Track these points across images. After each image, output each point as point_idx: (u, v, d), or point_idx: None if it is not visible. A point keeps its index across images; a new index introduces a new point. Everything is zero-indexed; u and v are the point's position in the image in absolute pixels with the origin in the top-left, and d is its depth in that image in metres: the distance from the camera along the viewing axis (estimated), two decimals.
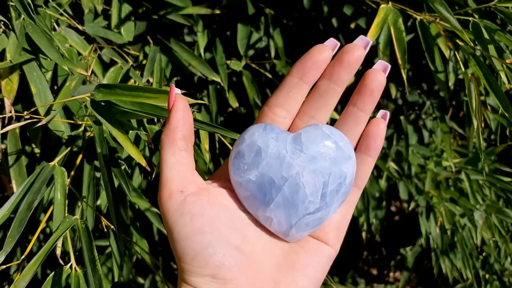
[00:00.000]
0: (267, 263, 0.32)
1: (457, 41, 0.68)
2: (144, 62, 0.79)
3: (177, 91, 0.33)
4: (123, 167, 0.53)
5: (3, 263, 0.43)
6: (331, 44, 0.33)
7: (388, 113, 0.34)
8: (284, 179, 0.31)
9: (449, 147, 0.94)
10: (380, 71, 0.33)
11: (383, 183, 1.03)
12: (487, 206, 1.00)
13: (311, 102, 0.34)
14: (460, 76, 0.83)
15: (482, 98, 0.66)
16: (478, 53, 0.66)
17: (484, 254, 1.21)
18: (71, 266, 0.46)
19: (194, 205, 0.31)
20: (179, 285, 0.31)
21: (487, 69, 0.62)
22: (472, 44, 0.64)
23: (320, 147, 0.32)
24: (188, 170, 0.32)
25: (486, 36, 0.63)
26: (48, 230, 0.85)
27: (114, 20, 0.79)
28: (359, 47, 0.33)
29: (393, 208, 1.59)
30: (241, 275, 0.30)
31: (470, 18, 0.65)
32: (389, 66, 0.34)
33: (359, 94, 0.33)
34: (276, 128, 0.33)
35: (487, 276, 1.19)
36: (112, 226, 0.52)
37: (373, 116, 0.34)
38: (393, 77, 0.92)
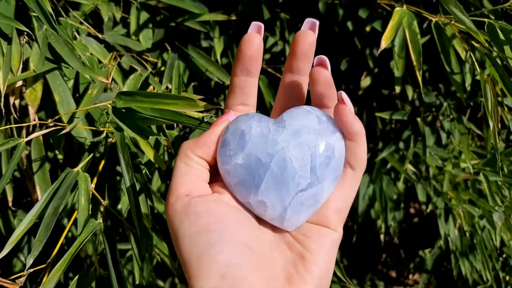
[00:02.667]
0: (276, 258, 0.32)
1: (473, 42, 0.68)
2: (162, 68, 0.81)
3: (231, 117, 0.34)
4: (143, 172, 0.55)
5: (31, 266, 0.45)
6: (254, 28, 0.34)
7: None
8: (270, 156, 0.31)
9: (467, 148, 0.94)
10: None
11: (400, 185, 1.03)
12: (506, 208, 0.99)
13: (284, 98, 0.35)
14: (477, 77, 0.83)
15: (499, 99, 0.66)
16: (494, 54, 0.66)
17: (504, 255, 1.20)
18: (95, 270, 0.48)
19: (199, 205, 0.31)
20: None
21: (503, 70, 0.62)
22: (487, 45, 0.64)
23: (304, 121, 0.32)
24: (198, 179, 0.33)
25: (501, 37, 0.63)
26: (70, 234, 0.87)
27: (133, 28, 0.81)
28: (308, 33, 0.33)
29: (412, 210, 1.58)
30: (252, 274, 0.30)
31: (486, 20, 0.65)
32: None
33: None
34: (258, 114, 0.33)
35: (507, 277, 1.18)
36: (133, 230, 0.54)
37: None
38: (409, 78, 0.93)
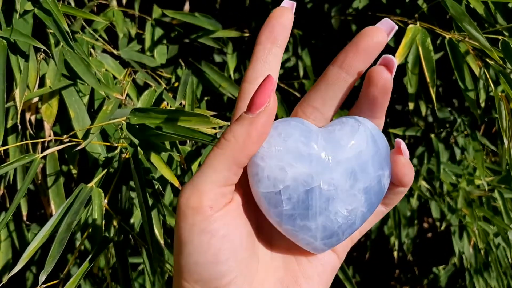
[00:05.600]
0: (269, 279, 0.30)
1: (487, 59, 0.68)
2: (176, 84, 0.82)
3: (275, 85, 0.27)
4: (156, 187, 0.55)
5: (44, 282, 0.45)
6: (288, 4, 0.30)
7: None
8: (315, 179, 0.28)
9: (482, 165, 0.93)
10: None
11: (414, 201, 1.02)
12: None
13: (317, 92, 0.30)
14: (491, 93, 0.83)
15: None
16: (508, 71, 0.66)
17: None
18: (107, 286, 0.48)
19: (217, 226, 0.27)
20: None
21: None
22: (501, 63, 0.64)
23: (359, 144, 0.29)
24: (227, 185, 0.28)
25: None
26: (82, 247, 0.87)
27: (148, 44, 0.82)
28: (381, 31, 0.28)
29: (425, 225, 1.57)
30: None
31: (500, 37, 0.65)
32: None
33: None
34: (300, 126, 0.29)
35: None
36: (145, 246, 0.54)
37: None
38: (423, 94, 0.92)
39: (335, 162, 0.28)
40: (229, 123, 0.51)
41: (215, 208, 0.27)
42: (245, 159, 0.27)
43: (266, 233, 0.31)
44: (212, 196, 0.27)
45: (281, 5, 0.30)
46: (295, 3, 0.30)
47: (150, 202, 0.53)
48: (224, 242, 0.27)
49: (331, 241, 0.30)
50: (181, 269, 0.27)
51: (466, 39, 0.68)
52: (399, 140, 0.29)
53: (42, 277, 0.43)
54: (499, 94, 0.63)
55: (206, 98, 0.89)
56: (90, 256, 0.45)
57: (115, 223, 0.68)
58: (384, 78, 0.28)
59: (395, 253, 1.04)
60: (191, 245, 0.27)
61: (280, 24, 0.30)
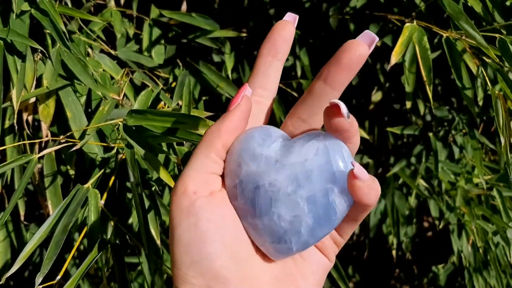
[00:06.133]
0: (265, 275, 0.31)
1: (484, 57, 0.68)
2: (173, 84, 0.82)
3: (247, 92, 0.31)
4: (153, 188, 0.55)
5: (41, 283, 0.45)
6: (291, 18, 0.32)
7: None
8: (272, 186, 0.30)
9: (480, 163, 0.93)
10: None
11: (412, 200, 1.02)
12: None
13: (304, 105, 0.31)
14: (489, 92, 0.83)
15: None
16: (505, 69, 0.66)
17: None
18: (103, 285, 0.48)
19: (202, 209, 0.29)
20: None
21: None
22: (498, 61, 0.64)
23: (319, 162, 0.29)
24: (211, 173, 0.31)
25: None
26: (82, 247, 0.87)
27: (145, 44, 0.82)
28: (362, 45, 0.28)
29: (426, 224, 1.56)
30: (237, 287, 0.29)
31: (497, 35, 0.65)
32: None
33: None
34: (268, 132, 0.31)
35: None
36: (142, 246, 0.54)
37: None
38: (420, 93, 0.92)
39: (281, 165, 0.30)
40: None
41: (198, 193, 0.30)
42: (221, 147, 0.31)
43: None
44: (195, 182, 0.30)
45: (284, 18, 0.32)
46: (297, 17, 0.32)
47: (147, 203, 0.53)
48: (210, 224, 0.29)
49: (281, 247, 0.30)
50: (174, 257, 0.29)
51: (463, 37, 0.68)
52: (353, 162, 0.29)
53: (38, 279, 0.43)
54: (496, 92, 0.63)
55: (204, 98, 0.89)
56: (88, 257, 0.45)
57: (111, 223, 0.68)
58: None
59: (394, 252, 1.04)
60: (180, 228, 0.29)
61: (282, 38, 0.31)
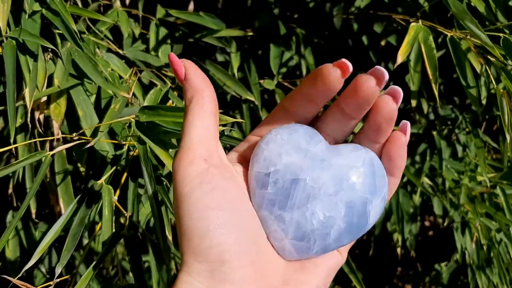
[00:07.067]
0: (277, 258, 0.30)
1: (488, 56, 0.68)
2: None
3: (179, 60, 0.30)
4: (164, 183, 0.56)
5: (52, 278, 0.46)
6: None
7: (409, 124, 0.31)
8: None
9: (483, 161, 0.94)
10: (388, 98, 0.29)
11: (417, 198, 1.03)
12: None
13: (327, 122, 0.32)
14: (492, 91, 0.84)
15: None
16: (509, 67, 0.66)
17: None
18: (118, 279, 0.49)
19: (217, 177, 0.28)
20: (177, 279, 0.28)
21: None
22: (502, 59, 0.65)
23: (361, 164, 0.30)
24: (213, 138, 0.30)
25: None
26: (92, 244, 0.88)
27: (152, 43, 0.83)
28: (372, 81, 0.29)
29: (426, 223, 1.57)
30: (248, 267, 0.27)
31: (501, 34, 0.65)
32: (400, 92, 0.30)
33: (369, 129, 0.30)
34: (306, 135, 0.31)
35: None
36: (155, 241, 0.55)
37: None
38: (424, 92, 0.93)
39: (328, 164, 0.30)
40: (235, 120, 0.52)
41: (209, 161, 0.28)
42: (214, 106, 0.30)
43: None
44: (204, 148, 0.29)
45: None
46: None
47: (160, 198, 0.54)
48: (226, 193, 0.28)
49: (301, 246, 0.30)
50: (187, 230, 0.27)
51: (468, 36, 0.69)
52: (408, 122, 0.30)
53: (58, 269, 0.44)
54: (501, 90, 0.64)
55: None
56: (102, 251, 0.46)
57: (122, 220, 0.69)
58: (391, 107, 0.29)
59: (399, 249, 1.05)
60: (193, 196, 0.27)
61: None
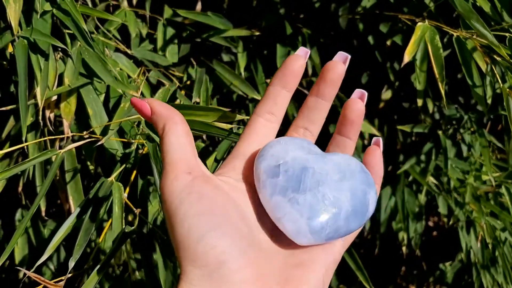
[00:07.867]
0: (274, 258, 0.31)
1: (494, 56, 0.69)
2: (188, 83, 0.83)
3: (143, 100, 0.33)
4: None
5: (62, 274, 0.47)
6: (302, 52, 0.36)
7: (381, 139, 0.36)
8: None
9: (488, 161, 0.94)
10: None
11: (422, 197, 1.04)
12: None
13: (303, 116, 0.37)
14: (498, 91, 0.84)
15: None
16: None
17: None
18: (129, 275, 0.49)
19: (203, 187, 0.30)
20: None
21: None
22: (508, 59, 0.65)
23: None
24: (193, 155, 0.31)
25: None
26: (102, 241, 0.89)
27: (160, 43, 0.84)
28: (339, 64, 0.35)
29: (430, 223, 1.58)
30: (246, 267, 0.28)
31: (507, 34, 0.66)
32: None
33: (343, 125, 0.36)
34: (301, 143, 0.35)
35: None
36: (164, 237, 0.55)
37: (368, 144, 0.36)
38: (430, 91, 0.94)
39: (329, 160, 0.34)
40: (243, 118, 0.53)
41: (193, 174, 0.30)
42: (183, 126, 0.32)
43: (267, 227, 0.33)
44: (185, 163, 0.31)
45: (296, 52, 0.36)
46: (309, 51, 0.36)
47: None
48: (214, 201, 0.30)
49: (314, 225, 0.31)
50: (181, 239, 0.28)
51: (474, 36, 0.69)
52: (379, 138, 0.36)
53: (71, 263, 0.44)
54: (507, 90, 0.64)
55: (216, 97, 0.91)
56: (113, 247, 0.47)
57: (130, 218, 0.69)
58: (360, 106, 0.35)
59: (404, 248, 1.05)
60: (183, 206, 0.29)
61: (291, 72, 0.35)
